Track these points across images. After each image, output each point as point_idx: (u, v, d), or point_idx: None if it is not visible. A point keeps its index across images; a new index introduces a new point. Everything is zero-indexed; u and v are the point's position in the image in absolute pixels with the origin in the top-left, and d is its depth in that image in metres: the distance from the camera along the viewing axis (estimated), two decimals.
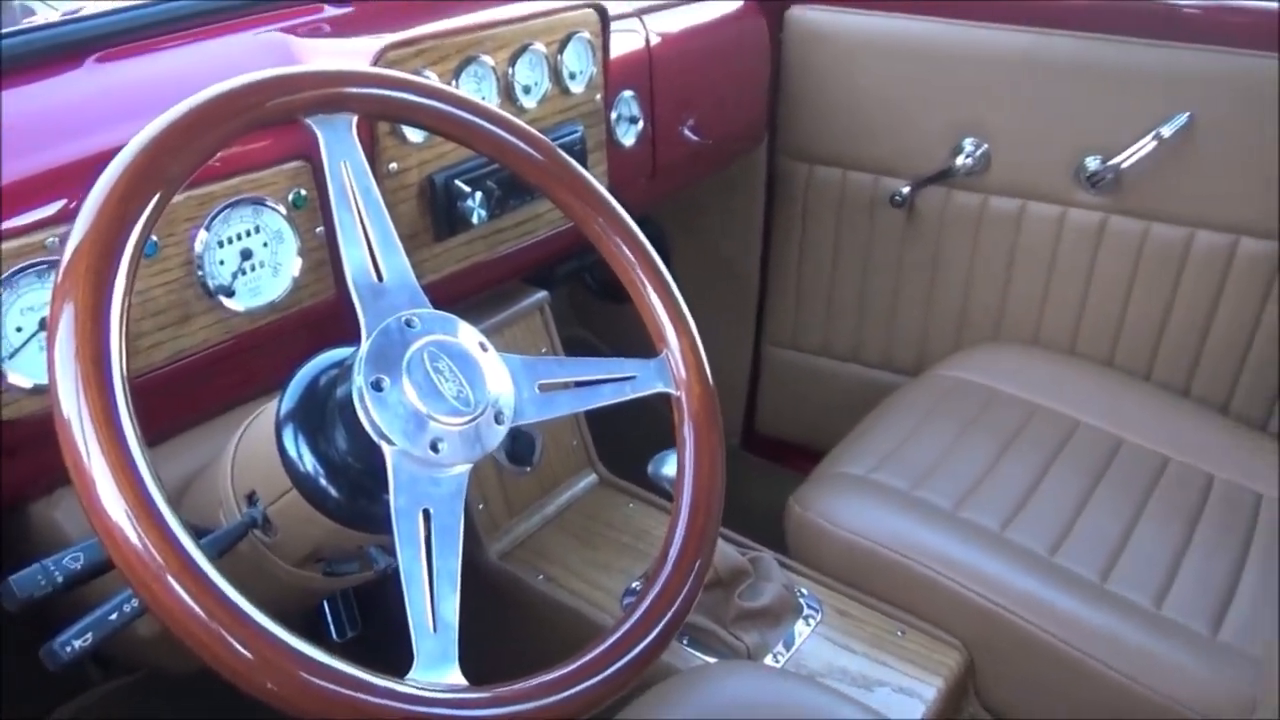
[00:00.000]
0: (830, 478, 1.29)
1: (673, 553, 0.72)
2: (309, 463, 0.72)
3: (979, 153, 1.52)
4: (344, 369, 0.70)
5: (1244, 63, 1.33)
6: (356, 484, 0.72)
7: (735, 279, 1.80)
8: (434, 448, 0.65)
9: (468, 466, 0.66)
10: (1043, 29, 1.44)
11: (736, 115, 1.56)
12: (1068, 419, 1.39)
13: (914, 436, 1.35)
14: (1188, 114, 1.37)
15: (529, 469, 1.22)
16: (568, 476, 1.32)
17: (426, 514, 0.63)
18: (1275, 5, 1.35)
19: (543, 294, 1.32)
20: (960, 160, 1.53)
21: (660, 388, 0.78)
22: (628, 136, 1.27)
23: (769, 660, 1.09)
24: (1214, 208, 1.41)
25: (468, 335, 0.71)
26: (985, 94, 1.49)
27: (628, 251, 0.82)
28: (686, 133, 1.41)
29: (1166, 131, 1.38)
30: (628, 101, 1.26)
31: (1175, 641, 1.07)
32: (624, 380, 0.77)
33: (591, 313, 1.94)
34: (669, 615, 0.69)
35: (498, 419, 0.69)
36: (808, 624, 1.14)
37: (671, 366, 0.79)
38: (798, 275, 1.75)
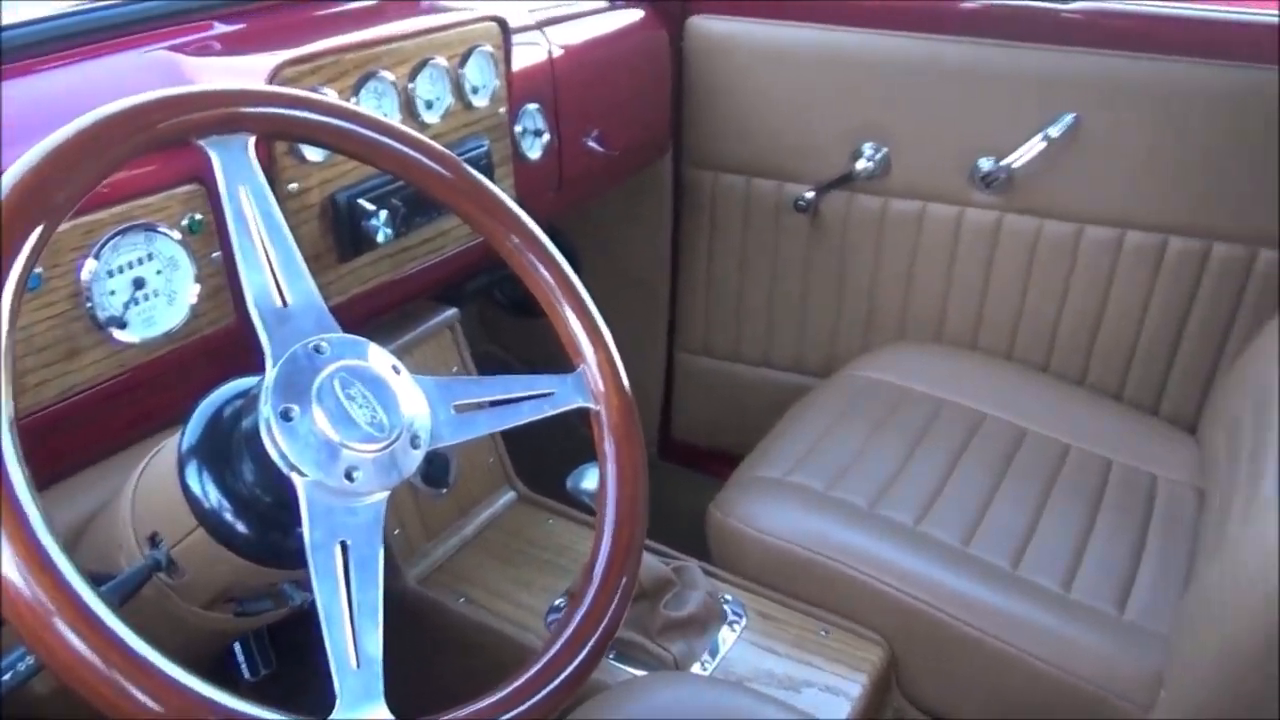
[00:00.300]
0: (748, 482, 1.30)
1: (598, 570, 0.71)
2: (214, 499, 0.69)
3: (879, 157, 1.56)
4: (249, 399, 0.68)
5: (1124, 64, 1.39)
6: (267, 518, 0.69)
7: (645, 288, 1.80)
8: (349, 476, 0.63)
9: (385, 494, 0.65)
10: (934, 35, 1.48)
11: (641, 125, 1.56)
12: (974, 413, 1.43)
13: (828, 437, 1.37)
14: (1073, 114, 1.42)
15: (445, 490, 1.21)
16: (485, 495, 1.30)
17: (344, 546, 0.61)
18: (1150, 10, 1.42)
19: (452, 311, 1.30)
20: (861, 164, 1.56)
21: (579, 403, 0.77)
22: (533, 150, 1.26)
23: (696, 669, 1.09)
24: (1101, 203, 1.46)
25: (379, 358, 0.69)
26: (882, 99, 1.53)
27: (541, 267, 0.81)
28: (592, 144, 1.41)
29: (1054, 132, 1.43)
30: (532, 114, 1.25)
31: (1084, 623, 1.11)
32: (542, 397, 0.76)
33: (502, 328, 1.92)
34: (598, 634, 0.68)
35: (414, 443, 0.67)
36: (733, 630, 1.14)
37: (589, 381, 0.78)
38: (707, 282, 1.76)
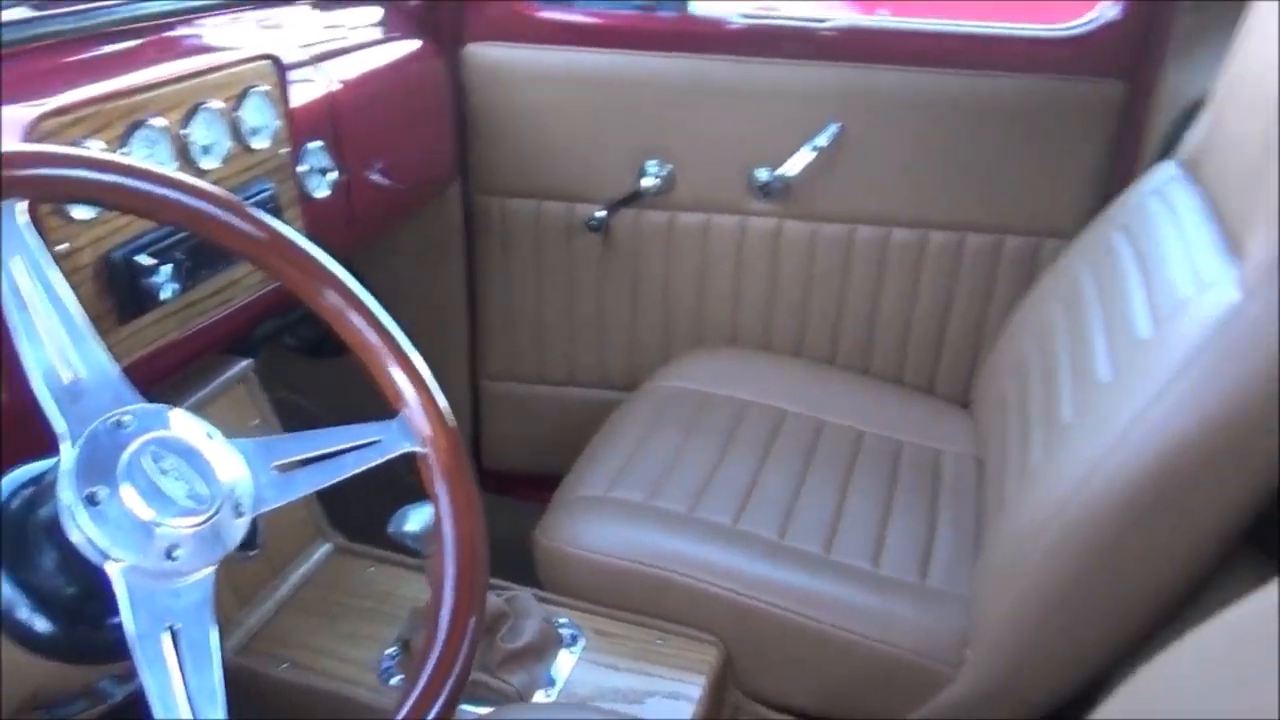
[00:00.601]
0: (570, 503, 1.31)
1: (444, 615, 0.70)
2: (7, 596, 0.63)
3: (664, 173, 1.61)
4: (42, 486, 0.62)
5: (879, 75, 1.51)
6: (74, 612, 0.64)
7: (443, 317, 1.78)
8: (170, 556, 0.59)
9: (211, 569, 0.61)
10: (704, 55, 1.55)
11: (426, 156, 1.55)
12: (774, 410, 1.51)
13: (641, 449, 1.40)
14: (837, 124, 1.53)
15: (255, 552, 1.15)
16: (299, 551, 1.25)
17: (172, 631, 0.57)
18: (898, 26, 1.55)
19: (246, 362, 1.24)
20: (647, 182, 1.61)
21: (406, 448, 0.76)
22: (320, 189, 1.22)
23: (540, 697, 1.09)
24: (868, 205, 1.58)
25: (190, 426, 0.65)
26: (662, 118, 1.58)
27: (350, 310, 0.79)
28: (379, 178, 1.38)
29: (822, 141, 1.53)
30: (315, 153, 1.21)
31: (893, 595, 1.19)
32: (367, 447, 0.74)
33: (295, 373, 1.84)
34: (452, 680, 0.67)
35: (237, 511, 0.64)
36: (572, 652, 1.15)
37: (414, 424, 0.77)
38: (505, 307, 1.76)
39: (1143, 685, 0.78)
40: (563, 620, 1.18)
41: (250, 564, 1.17)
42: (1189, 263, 1.05)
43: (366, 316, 0.79)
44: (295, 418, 1.33)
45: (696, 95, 1.57)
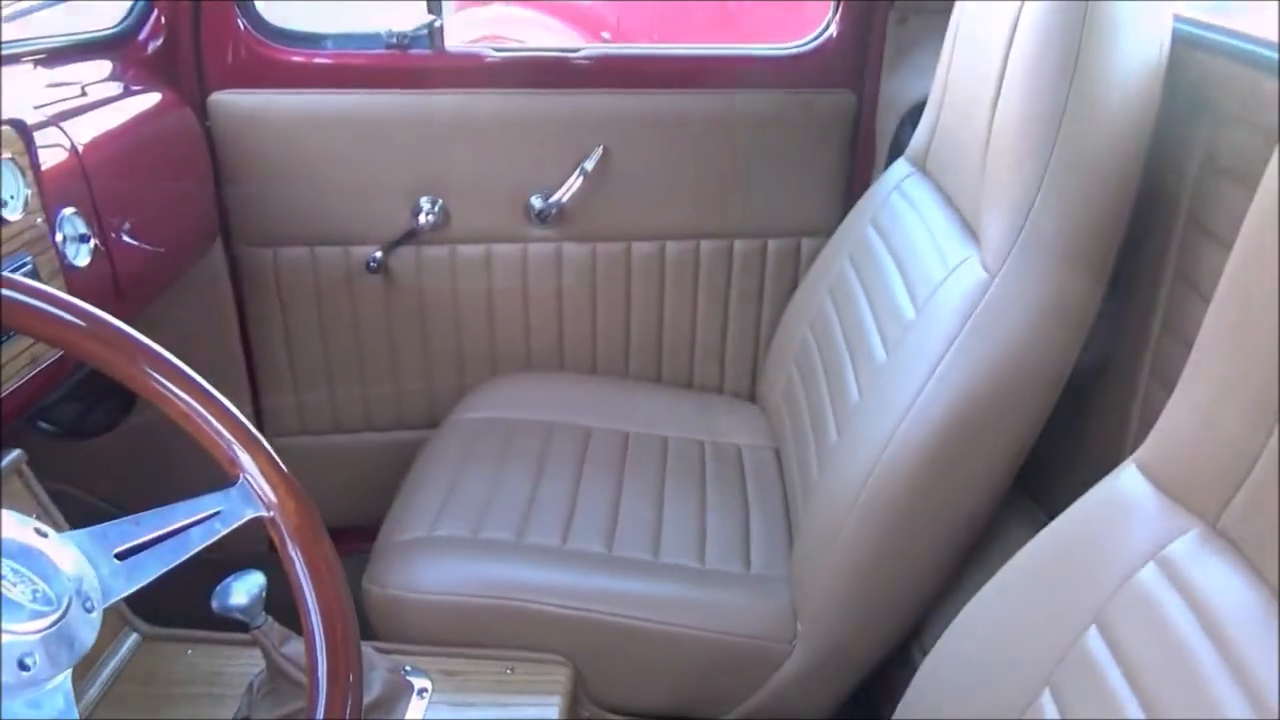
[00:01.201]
0: (394, 548, 1.29)
1: (322, 680, 0.68)
2: None
3: (437, 209, 1.61)
4: None
5: (634, 99, 1.59)
6: None
7: (220, 380, 1.67)
8: (23, 666, 0.55)
9: (68, 672, 0.57)
10: (465, 89, 1.57)
11: (186, 212, 1.47)
12: (580, 429, 1.54)
13: (457, 484, 1.40)
14: (602, 147, 1.59)
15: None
16: (104, 646, 1.15)
17: None
18: (647, 52, 1.63)
19: (16, 453, 1.13)
20: (422, 219, 1.60)
21: (250, 514, 0.73)
22: (80, 257, 1.13)
23: None
24: (641, 222, 1.66)
25: (18, 527, 0.60)
26: (429, 154, 1.58)
27: (165, 380, 0.75)
28: (139, 240, 1.30)
29: (589, 165, 1.59)
30: (71, 220, 1.12)
31: (722, 587, 1.26)
32: (209, 519, 0.71)
33: (50, 459, 1.68)
34: None
35: (87, 607, 0.60)
36: (423, 697, 1.13)
37: (255, 488, 0.74)
38: (289, 360, 1.69)
39: (951, 640, 0.89)
40: (408, 667, 1.16)
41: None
42: (935, 248, 1.19)
43: (187, 386, 0.75)
44: (74, 511, 1.22)
45: (462, 129, 1.58)
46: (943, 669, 0.89)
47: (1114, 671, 0.67)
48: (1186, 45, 1.04)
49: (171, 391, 0.74)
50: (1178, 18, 1.04)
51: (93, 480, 1.68)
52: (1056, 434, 1.10)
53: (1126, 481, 0.73)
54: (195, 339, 1.65)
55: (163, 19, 1.51)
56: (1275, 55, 0.94)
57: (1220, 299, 0.66)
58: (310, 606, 0.72)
